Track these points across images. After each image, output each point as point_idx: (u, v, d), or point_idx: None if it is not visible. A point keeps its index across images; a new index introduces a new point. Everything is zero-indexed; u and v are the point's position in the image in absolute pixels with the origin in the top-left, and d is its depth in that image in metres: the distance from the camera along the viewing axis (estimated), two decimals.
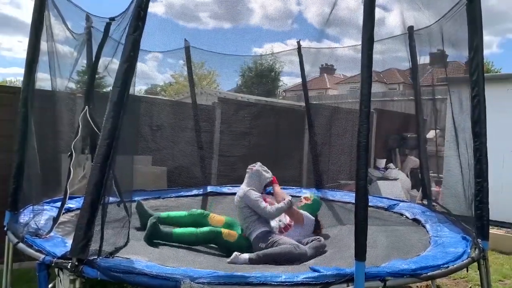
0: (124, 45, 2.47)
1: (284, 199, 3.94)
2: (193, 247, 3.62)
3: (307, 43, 5.92)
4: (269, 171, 4.20)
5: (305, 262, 3.27)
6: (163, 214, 3.94)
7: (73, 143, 3.45)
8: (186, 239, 3.58)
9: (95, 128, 3.55)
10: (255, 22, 5.14)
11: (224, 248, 3.63)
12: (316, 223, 4.19)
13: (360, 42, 2.42)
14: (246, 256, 3.27)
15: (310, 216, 4.16)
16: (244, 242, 3.67)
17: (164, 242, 3.53)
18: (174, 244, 3.54)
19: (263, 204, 3.80)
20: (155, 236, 3.50)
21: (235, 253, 3.27)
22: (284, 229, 3.98)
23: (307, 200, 4.38)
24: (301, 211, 4.15)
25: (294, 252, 3.38)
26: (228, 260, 3.24)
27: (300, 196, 4.69)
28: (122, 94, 2.41)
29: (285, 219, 4.10)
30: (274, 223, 3.99)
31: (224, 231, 3.68)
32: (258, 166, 4.15)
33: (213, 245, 3.74)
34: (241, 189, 3.94)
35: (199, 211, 4.07)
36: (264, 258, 3.28)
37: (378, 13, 2.49)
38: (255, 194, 3.83)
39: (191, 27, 5.29)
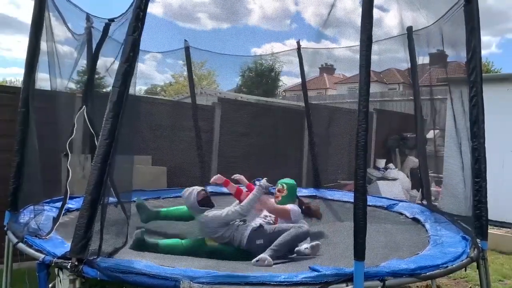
0: (123, 45, 2.48)
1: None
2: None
3: (306, 43, 5.94)
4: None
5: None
6: (163, 210, 3.90)
7: (68, 142, 3.45)
8: (172, 251, 3.52)
9: (90, 128, 3.56)
10: (254, 22, 5.16)
11: (211, 253, 3.57)
12: (308, 210, 4.15)
13: (359, 43, 2.42)
14: (265, 255, 3.21)
15: (295, 207, 4.04)
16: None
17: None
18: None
19: (226, 209, 3.67)
20: (142, 248, 3.48)
21: (259, 256, 3.20)
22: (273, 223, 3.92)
23: (282, 192, 4.15)
24: (286, 206, 3.99)
25: (300, 232, 3.40)
26: (252, 262, 3.18)
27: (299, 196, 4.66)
28: (122, 94, 2.41)
29: (271, 216, 4.01)
30: (260, 221, 3.90)
31: (206, 239, 3.65)
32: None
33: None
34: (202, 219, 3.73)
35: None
36: (280, 249, 3.29)
37: (376, 14, 2.50)
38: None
39: (190, 28, 5.31)
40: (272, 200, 4.07)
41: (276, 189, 4.22)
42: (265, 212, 4.01)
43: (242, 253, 3.55)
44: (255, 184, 4.41)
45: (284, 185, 4.19)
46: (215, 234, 3.57)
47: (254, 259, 3.21)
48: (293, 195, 4.22)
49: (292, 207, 4.01)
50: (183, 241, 3.62)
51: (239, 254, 3.55)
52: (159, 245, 3.55)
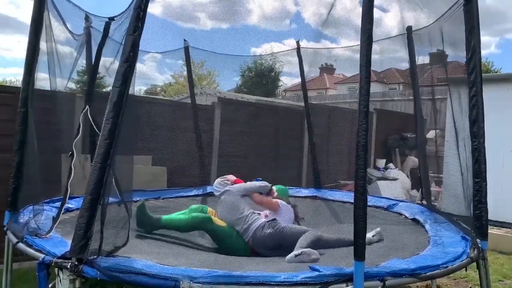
0: (123, 45, 2.48)
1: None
2: (193, 246, 3.62)
3: (306, 43, 5.94)
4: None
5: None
6: (165, 217, 3.78)
7: (74, 142, 3.46)
8: (175, 224, 3.57)
9: (95, 128, 3.56)
10: (254, 22, 5.15)
11: (214, 235, 3.63)
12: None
13: (359, 42, 2.42)
14: (308, 249, 3.16)
15: (285, 203, 4.11)
16: (234, 230, 3.66)
17: (154, 229, 3.56)
18: (173, 243, 3.54)
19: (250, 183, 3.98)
20: (145, 222, 3.50)
21: (301, 250, 3.12)
22: (264, 217, 3.94)
23: (272, 194, 4.27)
24: (276, 200, 4.10)
25: (319, 236, 3.46)
26: (289, 258, 3.11)
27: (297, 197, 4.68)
28: (122, 94, 2.41)
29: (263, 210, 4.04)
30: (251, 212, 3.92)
31: (214, 217, 3.68)
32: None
33: (207, 238, 3.72)
34: (226, 190, 3.93)
35: (198, 206, 4.05)
36: (310, 245, 3.28)
37: (376, 13, 2.50)
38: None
39: (190, 28, 5.30)
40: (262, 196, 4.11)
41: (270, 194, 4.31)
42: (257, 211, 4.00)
43: (244, 243, 3.58)
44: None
45: (275, 188, 4.31)
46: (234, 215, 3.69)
47: (292, 254, 3.09)
48: (284, 196, 4.28)
49: (282, 201, 4.09)
50: (188, 216, 3.63)
51: (241, 243, 3.55)
52: (162, 220, 3.56)
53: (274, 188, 4.32)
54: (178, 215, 3.72)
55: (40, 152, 3.42)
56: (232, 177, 4.12)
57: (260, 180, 4.73)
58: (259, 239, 3.55)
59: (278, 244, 3.40)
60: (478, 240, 3.11)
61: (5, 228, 3.23)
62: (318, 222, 4.53)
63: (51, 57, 3.57)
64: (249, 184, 4.01)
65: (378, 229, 3.55)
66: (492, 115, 3.54)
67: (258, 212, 3.88)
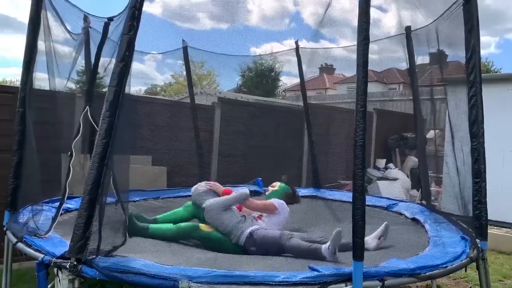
0: (119, 44, 2.48)
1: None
2: (192, 244, 3.61)
3: (305, 43, 5.94)
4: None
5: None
6: (152, 225, 3.67)
7: (74, 142, 3.46)
8: (161, 234, 3.51)
9: (96, 128, 3.55)
10: (253, 22, 5.16)
11: (204, 241, 3.57)
12: (292, 196, 4.15)
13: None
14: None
15: (277, 200, 4.02)
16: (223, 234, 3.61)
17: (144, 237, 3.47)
18: (172, 241, 3.52)
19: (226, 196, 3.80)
20: (132, 231, 3.41)
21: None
22: (258, 218, 3.86)
23: (274, 187, 4.23)
24: (268, 200, 4.02)
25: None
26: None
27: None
28: (118, 93, 2.41)
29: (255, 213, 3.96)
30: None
31: (202, 224, 3.62)
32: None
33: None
34: (206, 204, 3.75)
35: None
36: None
37: (375, 13, 2.50)
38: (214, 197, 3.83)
39: (189, 28, 5.30)
40: (256, 200, 4.04)
41: (270, 186, 4.27)
42: (253, 213, 3.92)
43: (235, 245, 3.52)
44: (255, 183, 4.42)
45: (279, 183, 4.24)
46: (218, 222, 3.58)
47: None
48: (281, 195, 4.18)
49: (273, 200, 3.99)
50: (175, 225, 3.59)
51: (233, 245, 3.53)
52: (149, 229, 3.53)
53: (278, 183, 4.24)
54: (166, 225, 3.64)
55: (40, 152, 3.42)
56: (219, 187, 3.99)
57: (260, 180, 4.73)
58: (251, 249, 3.43)
59: (267, 250, 3.31)
60: (478, 240, 3.11)
61: (4, 228, 3.24)
62: (317, 223, 4.52)
63: (50, 56, 3.57)
64: (224, 198, 3.77)
65: (385, 223, 3.48)
66: (492, 115, 3.53)
67: (252, 216, 3.80)
